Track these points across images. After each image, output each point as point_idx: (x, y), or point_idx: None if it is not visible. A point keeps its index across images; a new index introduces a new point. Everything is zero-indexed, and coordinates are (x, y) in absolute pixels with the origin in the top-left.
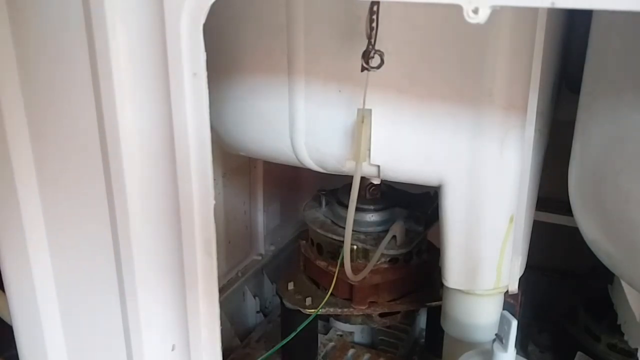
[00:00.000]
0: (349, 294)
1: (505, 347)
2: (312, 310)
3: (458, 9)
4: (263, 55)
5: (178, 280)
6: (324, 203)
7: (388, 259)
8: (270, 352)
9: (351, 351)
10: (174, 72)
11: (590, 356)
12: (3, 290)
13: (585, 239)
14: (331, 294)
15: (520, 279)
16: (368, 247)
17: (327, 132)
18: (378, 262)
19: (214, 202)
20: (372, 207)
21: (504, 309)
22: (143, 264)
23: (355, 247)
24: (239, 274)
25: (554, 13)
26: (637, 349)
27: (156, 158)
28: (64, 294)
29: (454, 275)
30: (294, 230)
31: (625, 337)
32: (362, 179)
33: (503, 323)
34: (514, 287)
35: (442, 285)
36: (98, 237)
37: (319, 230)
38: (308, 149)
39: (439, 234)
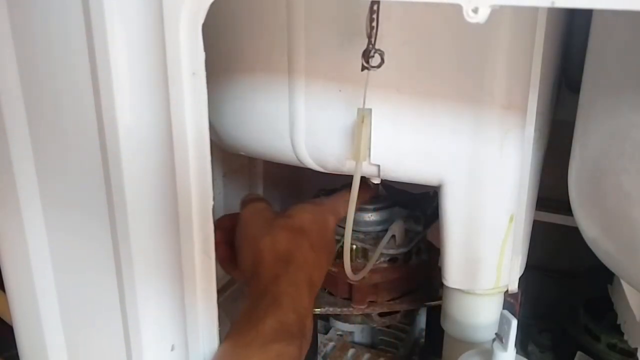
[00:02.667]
0: (348, 293)
1: (505, 346)
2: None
3: (458, 8)
4: (263, 54)
5: (177, 281)
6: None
7: (387, 259)
8: None
9: (351, 351)
10: (172, 72)
11: (590, 356)
12: (3, 290)
13: (585, 238)
14: (331, 293)
15: (520, 278)
16: (367, 246)
17: (327, 131)
18: (377, 262)
19: (212, 202)
20: (371, 206)
21: (503, 309)
22: (142, 264)
23: (354, 246)
24: None
25: (554, 13)
26: (637, 349)
27: (155, 158)
28: (64, 294)
29: (453, 274)
30: None
31: (625, 337)
32: (362, 178)
33: (503, 322)
34: (513, 287)
35: (441, 284)
36: (97, 237)
37: None
38: (308, 148)
39: (438, 233)
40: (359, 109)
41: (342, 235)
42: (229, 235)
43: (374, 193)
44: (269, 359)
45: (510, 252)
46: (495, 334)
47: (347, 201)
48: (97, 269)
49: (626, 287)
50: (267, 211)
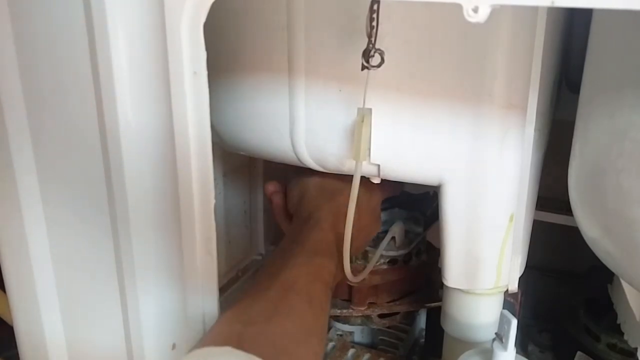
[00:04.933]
0: (348, 295)
1: (505, 346)
2: None
3: (458, 7)
4: (263, 54)
5: (178, 279)
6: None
7: (387, 260)
8: None
9: (351, 351)
10: (174, 71)
11: (590, 356)
12: (3, 290)
13: (585, 238)
14: None
15: (520, 278)
16: (367, 248)
17: (328, 131)
18: (377, 263)
19: (214, 201)
20: None
21: (503, 308)
22: (143, 263)
23: None
24: (239, 274)
25: (554, 13)
26: (637, 349)
27: (157, 157)
28: (65, 294)
29: (453, 274)
30: None
31: (625, 337)
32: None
33: (503, 322)
34: (513, 287)
35: (441, 285)
36: (98, 237)
37: None
38: (308, 148)
39: (438, 234)
40: (359, 109)
41: None
42: (284, 187)
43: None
44: (312, 267)
45: (510, 252)
46: (495, 333)
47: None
48: (98, 269)
49: (626, 287)
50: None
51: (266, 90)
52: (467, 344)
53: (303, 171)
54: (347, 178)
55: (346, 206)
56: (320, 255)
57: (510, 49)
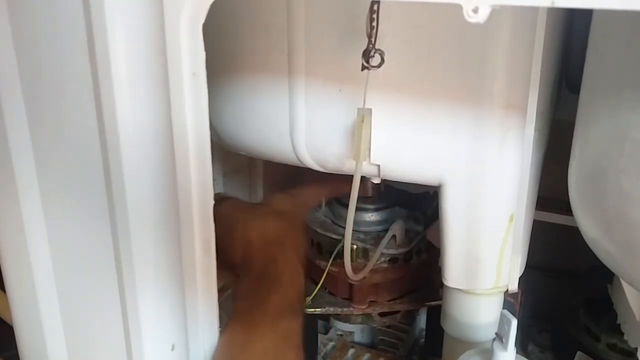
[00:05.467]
0: (348, 293)
1: (505, 346)
2: (312, 310)
3: (458, 8)
4: (263, 54)
5: (177, 280)
6: (323, 202)
7: (388, 259)
8: None
9: (351, 351)
10: (173, 72)
11: (590, 356)
12: (4, 290)
13: (585, 238)
14: (331, 293)
15: (520, 278)
16: (368, 246)
17: (328, 131)
18: (378, 262)
19: (213, 202)
20: (372, 206)
21: (503, 308)
22: (143, 264)
23: (355, 246)
24: None
25: (554, 13)
26: (636, 349)
27: (155, 158)
28: (65, 295)
29: (453, 274)
30: None
31: (625, 337)
32: (362, 178)
33: (503, 322)
34: (513, 287)
35: (441, 284)
36: (98, 236)
37: (318, 230)
38: (308, 148)
39: (438, 233)
40: (359, 109)
41: (343, 235)
42: None
43: (343, 189)
44: (279, 335)
45: (510, 252)
46: (495, 333)
47: (316, 193)
48: (98, 270)
49: (626, 287)
50: (243, 204)
51: (266, 91)
52: (467, 344)
53: (236, 219)
54: (283, 218)
55: (297, 251)
56: (285, 318)
57: (510, 49)
